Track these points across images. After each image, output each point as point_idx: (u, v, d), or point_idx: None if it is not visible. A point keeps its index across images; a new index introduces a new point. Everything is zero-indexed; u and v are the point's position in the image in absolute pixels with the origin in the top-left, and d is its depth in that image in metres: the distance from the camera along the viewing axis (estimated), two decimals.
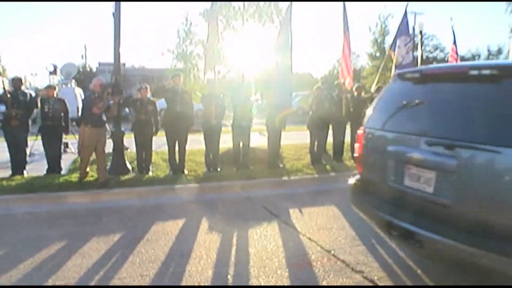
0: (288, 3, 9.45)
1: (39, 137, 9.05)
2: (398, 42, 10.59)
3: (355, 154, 4.76)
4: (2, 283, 4.10)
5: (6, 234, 5.58)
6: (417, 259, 4.57)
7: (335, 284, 4.03)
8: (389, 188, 3.94)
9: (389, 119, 4.08)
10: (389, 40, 33.38)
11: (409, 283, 4.04)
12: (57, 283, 4.09)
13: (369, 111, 4.63)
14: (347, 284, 4.04)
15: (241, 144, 9.20)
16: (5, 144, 8.69)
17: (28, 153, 9.13)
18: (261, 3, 29.37)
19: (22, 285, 3.81)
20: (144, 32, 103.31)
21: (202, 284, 4.07)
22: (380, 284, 4.02)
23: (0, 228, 5.83)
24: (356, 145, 4.69)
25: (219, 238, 5.37)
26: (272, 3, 29.37)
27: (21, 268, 4.44)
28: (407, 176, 3.71)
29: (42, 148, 9.00)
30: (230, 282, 4.14)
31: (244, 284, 4.09)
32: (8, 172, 8.54)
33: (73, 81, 21.43)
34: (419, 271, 4.29)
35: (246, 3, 28.46)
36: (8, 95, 8.53)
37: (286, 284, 4.08)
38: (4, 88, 8.46)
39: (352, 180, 4.72)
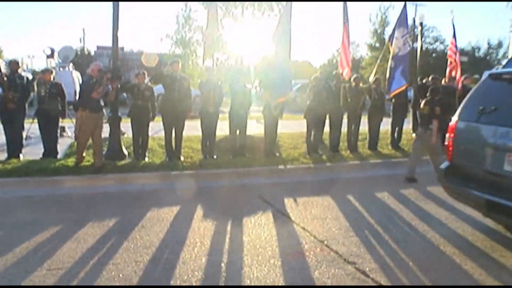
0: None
1: (36, 121, 9.05)
2: (396, 33, 10.56)
3: (446, 143, 5.34)
4: None
5: (2, 218, 5.62)
6: (408, 252, 4.62)
7: (328, 275, 4.07)
8: (487, 172, 4.67)
9: (484, 114, 4.76)
10: (389, 31, 33.24)
11: (400, 275, 4.08)
12: (52, 267, 4.12)
13: (460, 106, 5.23)
14: (338, 273, 4.08)
15: (238, 132, 9.21)
16: (1, 126, 8.68)
17: (24, 136, 9.12)
18: None
19: (24, 285, 3.80)
20: (143, 16, 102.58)
21: (195, 272, 4.11)
22: (371, 275, 4.06)
23: None
24: (447, 135, 5.26)
25: (213, 226, 5.41)
26: None
27: (17, 251, 4.48)
28: (507, 163, 4.41)
29: (38, 132, 9.00)
30: (223, 269, 4.18)
31: (237, 272, 4.13)
32: (4, 155, 8.55)
33: (71, 64, 21.29)
34: (410, 263, 4.34)
35: None
36: (5, 78, 8.51)
37: (281, 279, 4.12)
38: (0, 70, 8.41)
39: (443, 166, 5.33)
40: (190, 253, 4.54)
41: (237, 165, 8.44)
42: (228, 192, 7.26)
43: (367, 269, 4.19)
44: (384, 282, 3.94)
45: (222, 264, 4.30)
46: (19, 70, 9.02)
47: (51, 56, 16.94)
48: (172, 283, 3.89)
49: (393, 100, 10.86)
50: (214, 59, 10.93)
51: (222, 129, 9.40)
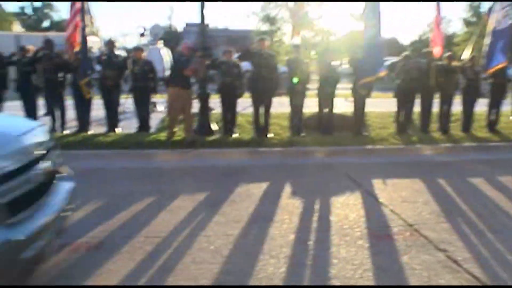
0: None
1: (130, 96, 9.55)
2: (496, 5, 9.81)
3: None
4: (103, 231, 4.48)
5: (104, 187, 6.02)
6: (506, 243, 4.36)
7: (418, 260, 3.95)
8: None
9: None
10: (486, 3, 31.03)
11: (497, 268, 3.86)
12: (149, 235, 4.37)
13: None
14: (428, 260, 3.95)
15: (326, 110, 9.15)
16: (101, 102, 9.27)
17: (120, 111, 9.68)
18: None
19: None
20: None
21: (283, 249, 4.17)
22: (464, 265, 3.87)
23: (99, 181, 6.31)
24: None
25: (301, 203, 5.44)
26: None
27: (118, 218, 4.81)
28: None
29: (133, 107, 9.52)
30: (311, 247, 4.20)
31: (325, 251, 4.13)
32: (104, 129, 9.14)
33: (160, 41, 22.10)
34: (509, 256, 4.09)
35: None
36: (104, 57, 9.08)
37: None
38: (99, 49, 8.99)
39: None
40: (279, 229, 4.61)
41: (325, 143, 8.42)
42: (315, 170, 7.25)
43: (460, 258, 4.00)
44: (478, 273, 3.74)
45: (310, 242, 4.32)
46: (115, 49, 9.58)
47: (143, 34, 17.74)
48: (261, 258, 3.97)
49: (491, 79, 10.17)
50: (301, 37, 10.83)
51: (311, 107, 9.37)
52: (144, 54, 9.63)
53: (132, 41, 41.63)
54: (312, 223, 4.86)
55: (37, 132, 3.37)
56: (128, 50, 18.72)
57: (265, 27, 30.35)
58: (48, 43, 9.53)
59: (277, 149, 8.10)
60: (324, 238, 4.42)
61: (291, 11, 11.01)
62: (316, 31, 23.93)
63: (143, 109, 9.36)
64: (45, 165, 3.17)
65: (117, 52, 9.86)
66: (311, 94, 9.38)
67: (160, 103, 11.83)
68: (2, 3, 45.27)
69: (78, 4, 8.93)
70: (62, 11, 51.17)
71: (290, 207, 5.32)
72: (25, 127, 3.34)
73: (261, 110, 8.87)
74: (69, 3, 9.12)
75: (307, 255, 4.07)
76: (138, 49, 9.76)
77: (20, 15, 51.57)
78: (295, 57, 9.31)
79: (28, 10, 52.98)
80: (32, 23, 50.91)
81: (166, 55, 20.39)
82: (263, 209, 5.23)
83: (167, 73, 11.33)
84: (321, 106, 9.18)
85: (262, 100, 8.80)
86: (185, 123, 8.31)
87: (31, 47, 9.76)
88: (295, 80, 8.88)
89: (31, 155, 3.03)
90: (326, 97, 9.08)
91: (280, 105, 9.59)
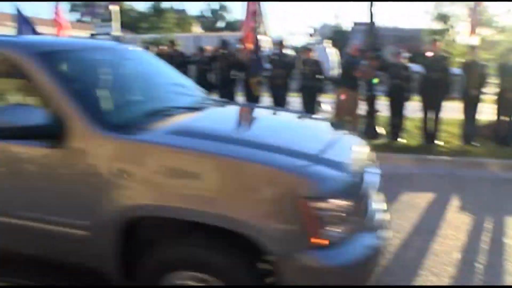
0: None
1: (297, 95, 9.83)
2: None
3: None
4: None
5: None
6: None
7: None
8: None
9: None
10: None
11: None
12: None
13: None
14: None
15: (505, 118, 8.36)
16: (269, 99, 9.73)
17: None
18: None
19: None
20: None
21: (447, 268, 3.93)
22: None
23: None
24: None
25: (469, 220, 5.06)
26: None
27: None
28: None
29: (299, 106, 9.76)
30: (478, 270, 3.89)
31: (496, 276, 3.79)
32: None
33: (328, 41, 22.29)
34: None
35: None
36: (274, 56, 9.54)
37: None
38: (269, 49, 9.46)
39: None
40: (443, 245, 4.37)
41: (501, 155, 7.70)
42: (488, 184, 6.65)
43: None
44: None
45: (478, 265, 4.00)
46: (283, 49, 9.98)
47: (313, 35, 18.19)
48: (421, 273, 3.82)
49: None
50: (479, 36, 10.03)
51: (487, 113, 8.69)
52: (313, 54, 9.82)
53: (299, 40, 42.98)
54: (481, 242, 4.49)
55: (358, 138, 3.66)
56: (296, 49, 19.29)
57: (437, 25, 28.55)
58: (224, 43, 10.39)
59: (445, 157, 7.64)
60: (495, 262, 4.06)
61: (469, 8, 10.16)
62: (497, 28, 21.55)
63: (310, 108, 9.57)
64: (376, 169, 3.47)
65: (285, 51, 10.24)
66: (489, 100, 8.62)
67: (325, 102, 11.93)
68: (186, 8, 50.92)
69: (252, 7, 9.54)
70: (234, 12, 55.61)
71: (456, 222, 4.99)
72: (353, 137, 3.68)
73: (431, 115, 8.43)
74: (241, 4, 9.82)
75: (473, 278, 3.79)
76: (307, 48, 10.02)
77: (199, 18, 57.18)
78: (471, 59, 8.64)
79: (207, 13, 58.42)
80: (209, 24, 55.95)
81: (333, 55, 20.53)
82: (427, 221, 5.00)
83: (332, 72, 11.42)
84: (499, 113, 8.40)
85: (432, 105, 8.36)
86: (352, 124, 8.32)
87: (209, 47, 10.77)
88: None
89: (369, 161, 3.38)
90: (505, 103, 8.27)
91: (452, 111, 8.99)
